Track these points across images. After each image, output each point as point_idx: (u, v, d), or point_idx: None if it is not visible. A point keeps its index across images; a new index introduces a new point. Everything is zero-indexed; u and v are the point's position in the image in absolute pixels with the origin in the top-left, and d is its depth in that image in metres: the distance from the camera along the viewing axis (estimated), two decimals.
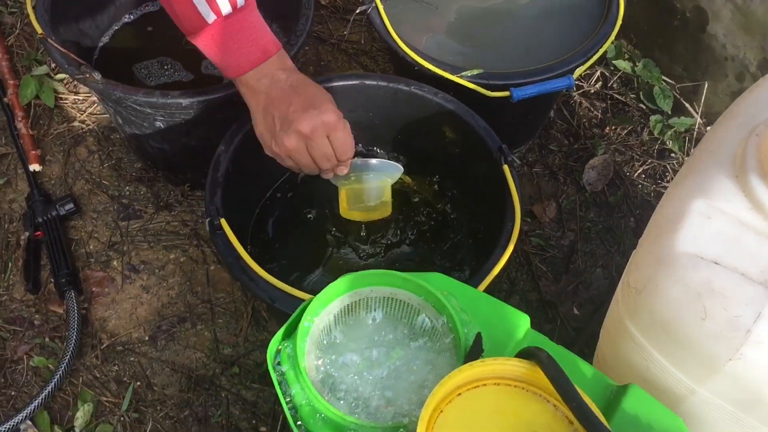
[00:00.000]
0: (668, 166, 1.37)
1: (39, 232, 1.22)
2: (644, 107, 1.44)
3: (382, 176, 1.01)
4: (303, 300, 0.83)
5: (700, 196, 0.71)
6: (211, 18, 0.87)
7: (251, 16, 0.89)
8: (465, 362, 0.59)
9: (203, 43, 0.89)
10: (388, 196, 1.02)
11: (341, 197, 1.01)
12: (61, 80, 1.42)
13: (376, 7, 1.14)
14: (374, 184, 1.00)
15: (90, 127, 1.39)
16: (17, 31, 1.49)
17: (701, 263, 0.67)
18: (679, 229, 0.69)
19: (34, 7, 1.09)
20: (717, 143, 0.75)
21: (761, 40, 1.17)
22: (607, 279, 1.28)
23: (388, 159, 1.13)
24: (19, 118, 1.35)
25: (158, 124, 1.11)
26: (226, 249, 0.89)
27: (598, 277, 1.28)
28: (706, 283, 0.66)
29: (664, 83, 1.41)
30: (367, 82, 1.08)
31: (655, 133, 1.38)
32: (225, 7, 0.87)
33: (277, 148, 0.90)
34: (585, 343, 1.19)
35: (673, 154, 1.38)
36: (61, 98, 1.42)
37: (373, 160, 0.99)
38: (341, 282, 0.67)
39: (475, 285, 0.85)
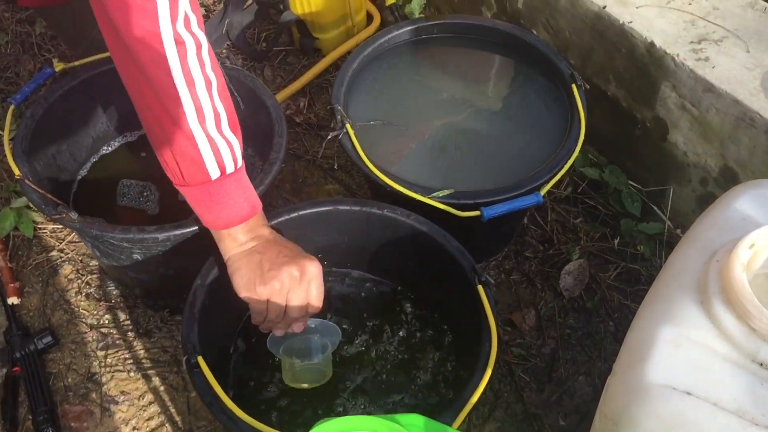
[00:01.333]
0: (642, 270, 1.39)
1: (17, 368, 1.21)
2: (614, 211, 1.47)
3: (325, 347, 1.04)
4: None
5: (667, 323, 0.72)
6: (215, 175, 0.91)
7: (244, 173, 0.95)
8: None
9: (197, 195, 0.93)
10: (329, 368, 1.04)
11: (284, 367, 1.03)
12: None
13: (347, 132, 1.17)
14: (314, 365, 1.02)
15: (69, 255, 1.40)
16: None
17: (673, 394, 0.67)
18: (649, 359, 0.70)
19: (11, 139, 1.12)
20: (680, 268, 0.77)
21: (720, 147, 1.22)
22: (590, 386, 1.27)
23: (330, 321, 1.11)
24: None
25: (135, 256, 1.12)
26: (203, 389, 0.88)
27: (582, 385, 1.28)
28: (679, 416, 0.66)
29: (631, 188, 1.45)
30: (341, 208, 1.10)
31: (626, 237, 1.41)
32: (230, 167, 0.92)
33: (261, 287, 0.93)
34: None
35: (646, 257, 1.41)
36: (40, 228, 1.43)
37: (312, 322, 1.02)
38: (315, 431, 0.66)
39: (454, 416, 0.85)
